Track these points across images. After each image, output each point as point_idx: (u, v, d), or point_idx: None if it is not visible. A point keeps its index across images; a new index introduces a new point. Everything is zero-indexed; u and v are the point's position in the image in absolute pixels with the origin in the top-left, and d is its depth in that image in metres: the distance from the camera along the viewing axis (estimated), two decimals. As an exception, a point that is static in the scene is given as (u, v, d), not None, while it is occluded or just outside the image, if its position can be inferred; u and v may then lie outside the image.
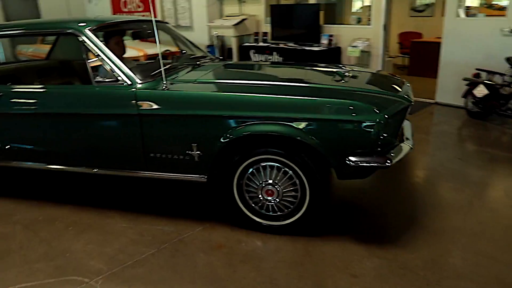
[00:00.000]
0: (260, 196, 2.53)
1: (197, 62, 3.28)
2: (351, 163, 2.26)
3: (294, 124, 2.29)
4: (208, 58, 3.63)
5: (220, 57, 3.81)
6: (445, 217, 2.72)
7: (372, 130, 2.19)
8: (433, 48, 6.33)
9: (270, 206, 2.54)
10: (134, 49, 7.05)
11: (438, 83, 5.75)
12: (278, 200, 2.50)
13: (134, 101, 2.55)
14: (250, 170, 2.50)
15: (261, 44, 7.42)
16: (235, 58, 8.06)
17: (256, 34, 7.77)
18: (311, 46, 6.77)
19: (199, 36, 8.74)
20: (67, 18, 2.94)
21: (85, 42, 2.69)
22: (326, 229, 2.64)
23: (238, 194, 2.59)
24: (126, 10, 10.52)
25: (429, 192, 3.12)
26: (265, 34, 7.65)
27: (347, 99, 2.29)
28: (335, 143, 2.28)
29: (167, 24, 3.92)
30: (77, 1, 11.94)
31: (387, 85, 2.82)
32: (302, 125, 2.28)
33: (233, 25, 7.59)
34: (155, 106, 2.52)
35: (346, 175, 2.39)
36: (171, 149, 2.59)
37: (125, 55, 3.22)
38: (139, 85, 2.58)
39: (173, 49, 4.44)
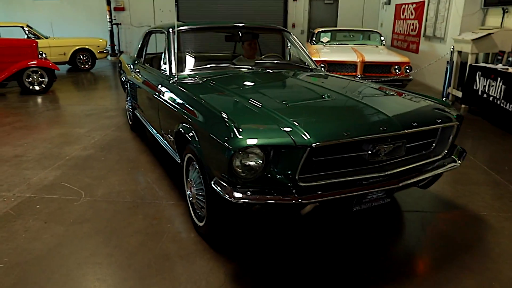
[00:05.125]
0: (186, 188, 2.74)
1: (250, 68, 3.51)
2: (213, 185, 2.14)
3: (190, 127, 2.39)
4: (301, 68, 3.74)
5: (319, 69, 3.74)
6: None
7: (226, 153, 1.99)
8: None
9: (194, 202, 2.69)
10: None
11: None
12: (191, 197, 2.64)
13: (160, 86, 3.27)
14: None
15: (490, 65, 5.86)
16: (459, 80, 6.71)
17: (501, 53, 6.14)
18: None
19: (448, 49, 7.71)
20: (169, 23, 3.83)
21: (166, 39, 3.58)
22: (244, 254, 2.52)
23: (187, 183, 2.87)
24: (402, 17, 10.46)
25: None
26: (512, 54, 5.96)
27: (230, 116, 2.13)
28: (208, 157, 2.21)
29: (287, 33, 4.16)
30: (372, 7, 12.75)
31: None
32: (194, 130, 2.35)
33: (472, 39, 6.32)
34: (163, 93, 3.16)
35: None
36: (165, 129, 3.17)
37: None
38: (172, 76, 3.26)
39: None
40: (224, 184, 2.04)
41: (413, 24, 9.63)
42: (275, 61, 3.71)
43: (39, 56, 7.58)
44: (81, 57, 10.31)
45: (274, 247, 2.59)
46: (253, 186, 2.05)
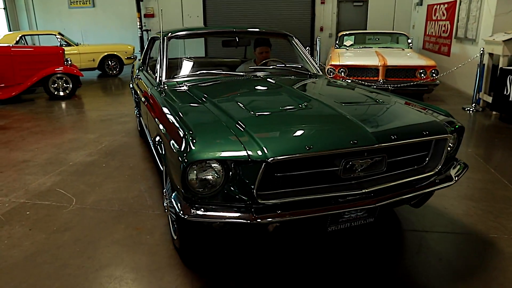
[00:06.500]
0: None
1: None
2: (171, 199, 2.04)
3: (161, 136, 2.31)
4: (299, 72, 3.59)
5: (312, 73, 3.56)
6: None
7: (181, 166, 1.87)
8: None
9: (169, 215, 2.61)
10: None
11: None
12: (166, 209, 2.55)
13: (149, 93, 3.23)
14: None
15: (521, 69, 5.38)
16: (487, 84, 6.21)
17: (537, 55, 5.64)
18: None
19: (476, 52, 7.21)
20: (169, 29, 3.78)
21: (160, 45, 3.53)
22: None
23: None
24: (434, 18, 9.96)
25: None
26: (549, 56, 5.44)
27: (190, 127, 2.02)
28: (171, 169, 2.11)
29: (290, 38, 3.99)
30: (404, 9, 12.27)
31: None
32: (163, 139, 2.27)
33: (504, 40, 5.85)
34: (150, 100, 3.10)
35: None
36: (151, 137, 3.11)
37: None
38: (163, 82, 3.20)
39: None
40: (181, 199, 1.93)
41: (444, 26, 9.12)
42: (271, 67, 3.56)
43: (65, 63, 7.85)
44: (110, 63, 10.61)
45: (246, 266, 2.45)
46: (212, 202, 1.92)
